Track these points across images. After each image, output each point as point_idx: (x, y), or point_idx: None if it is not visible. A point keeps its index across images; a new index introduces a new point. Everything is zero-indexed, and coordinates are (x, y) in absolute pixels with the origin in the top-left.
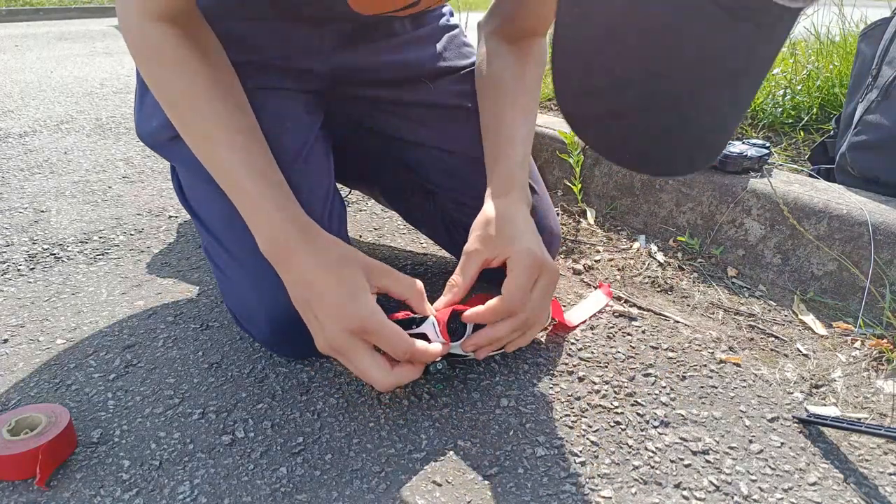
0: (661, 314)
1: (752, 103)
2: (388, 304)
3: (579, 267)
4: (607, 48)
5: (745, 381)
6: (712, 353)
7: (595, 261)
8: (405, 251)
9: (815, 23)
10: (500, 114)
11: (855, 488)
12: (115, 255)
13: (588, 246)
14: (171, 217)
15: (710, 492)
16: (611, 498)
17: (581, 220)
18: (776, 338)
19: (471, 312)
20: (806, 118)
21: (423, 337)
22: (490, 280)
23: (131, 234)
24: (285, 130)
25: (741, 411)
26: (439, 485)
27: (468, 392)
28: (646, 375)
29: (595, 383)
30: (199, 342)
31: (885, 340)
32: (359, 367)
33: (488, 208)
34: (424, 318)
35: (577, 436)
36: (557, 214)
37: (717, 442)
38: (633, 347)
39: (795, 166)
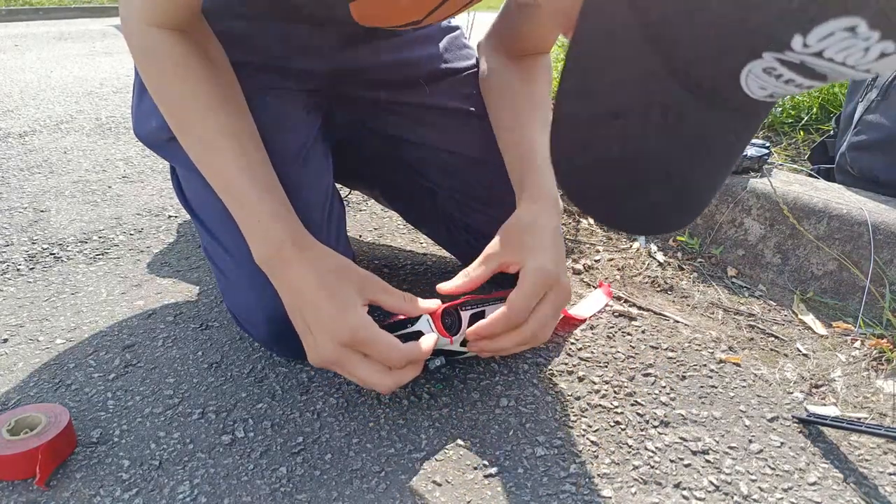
0: (661, 314)
1: None
2: (381, 312)
3: (579, 267)
4: (605, 129)
5: (744, 380)
6: (712, 352)
7: (595, 261)
8: (405, 251)
9: None
10: (521, 126)
11: (855, 488)
12: (115, 254)
13: (588, 246)
14: (170, 217)
15: (709, 492)
16: (611, 498)
17: (581, 219)
18: (776, 338)
19: (472, 330)
20: (806, 118)
21: (419, 335)
22: (501, 284)
23: (131, 234)
24: (285, 130)
25: (741, 411)
26: (439, 485)
27: (468, 392)
28: (646, 375)
29: (595, 383)
30: (198, 342)
31: (885, 340)
32: (356, 374)
33: (520, 213)
34: (418, 317)
35: (577, 436)
36: None
37: (717, 442)
38: (633, 347)
39: (795, 166)
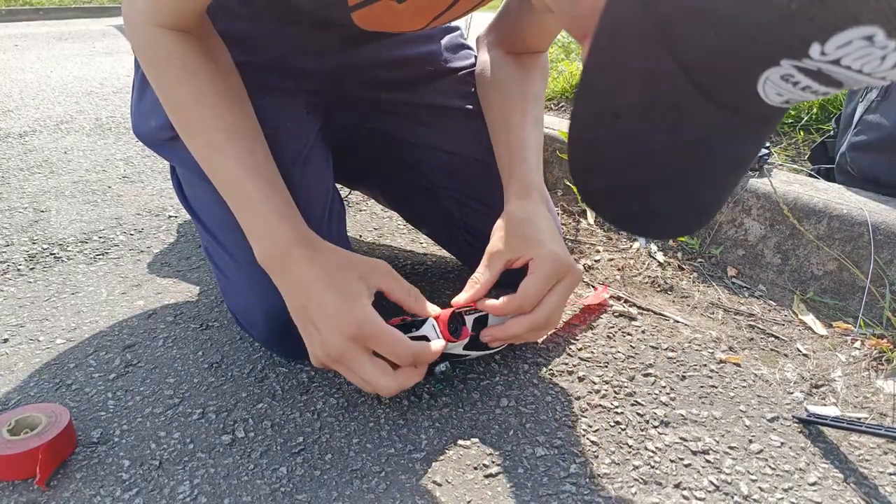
0: (661, 314)
1: None
2: (386, 312)
3: (579, 267)
4: (607, 128)
5: (745, 380)
6: (712, 353)
7: (595, 261)
8: (405, 251)
9: None
10: (510, 121)
11: (855, 488)
12: (115, 254)
13: (588, 246)
14: (171, 217)
15: (710, 492)
16: (611, 498)
17: (581, 219)
18: (776, 338)
19: (487, 304)
20: (806, 118)
21: (424, 339)
22: (508, 284)
23: (131, 234)
24: (285, 130)
25: (741, 411)
26: (439, 485)
27: (468, 392)
28: (646, 375)
29: (595, 383)
30: (199, 342)
31: (885, 340)
32: (361, 374)
33: (511, 210)
34: (424, 321)
35: (577, 436)
36: (558, 214)
37: (717, 442)
38: (633, 347)
39: (795, 166)
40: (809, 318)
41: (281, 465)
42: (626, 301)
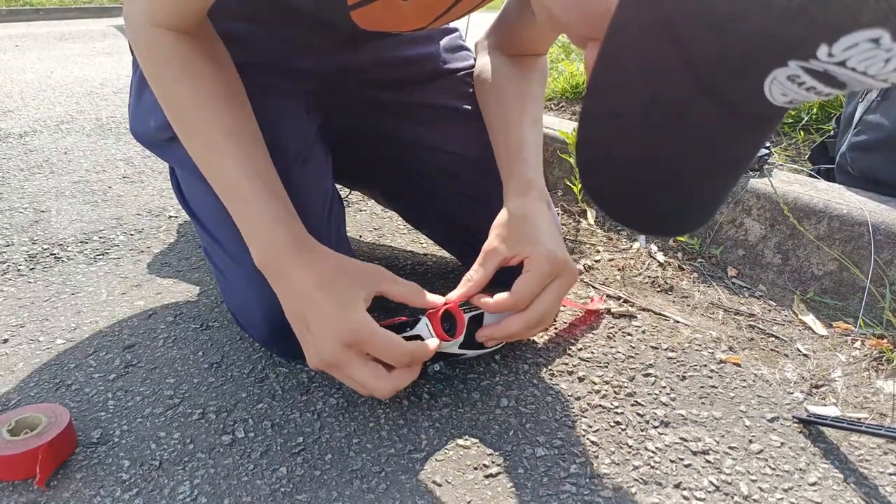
0: (661, 314)
1: None
2: (384, 313)
3: (579, 267)
4: (629, 135)
5: (745, 381)
6: (712, 353)
7: (595, 261)
8: (405, 251)
9: None
10: (509, 121)
11: (855, 488)
12: (115, 255)
13: (588, 246)
14: (171, 217)
15: (710, 492)
16: (611, 498)
17: (581, 220)
18: (776, 338)
19: (481, 301)
20: (806, 118)
21: (418, 339)
22: (505, 282)
23: (131, 234)
24: (285, 130)
25: (741, 411)
26: (439, 485)
27: (468, 392)
28: (646, 375)
29: (595, 383)
30: (199, 342)
31: (885, 340)
32: (355, 377)
33: (510, 207)
34: (417, 321)
35: (577, 436)
36: (558, 214)
37: (717, 442)
38: (633, 347)
39: (795, 166)
40: (809, 319)
41: (281, 466)
42: (626, 301)
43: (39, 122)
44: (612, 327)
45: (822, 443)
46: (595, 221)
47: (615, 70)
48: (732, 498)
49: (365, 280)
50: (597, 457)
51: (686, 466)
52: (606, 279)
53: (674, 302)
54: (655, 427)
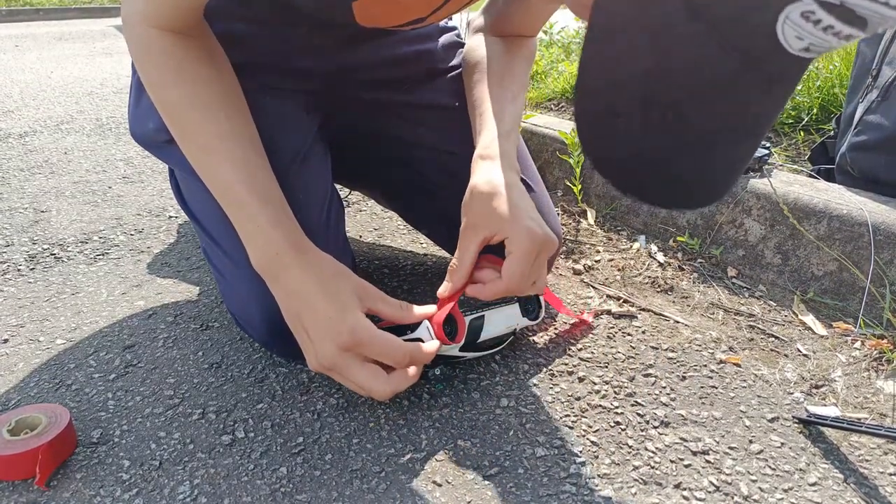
0: (661, 314)
1: None
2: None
3: (579, 267)
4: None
5: (745, 381)
6: (712, 353)
7: (595, 261)
8: (405, 251)
9: None
10: (487, 95)
11: (855, 488)
12: (115, 255)
13: (588, 246)
14: (171, 217)
15: (710, 492)
16: (611, 498)
17: (581, 220)
18: (776, 338)
19: (476, 292)
20: (806, 118)
21: (419, 342)
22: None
23: (131, 235)
24: (284, 131)
25: (741, 411)
26: (439, 485)
27: (468, 392)
28: (646, 375)
29: (595, 383)
30: (199, 342)
31: (885, 340)
32: (354, 380)
33: (476, 182)
34: (419, 323)
35: (577, 436)
36: (558, 215)
37: (717, 442)
38: (633, 347)
39: (795, 166)
40: (809, 319)
41: (281, 466)
42: (626, 301)
43: (39, 123)
44: (612, 327)
45: (822, 443)
46: (595, 222)
47: (615, 13)
48: (732, 498)
49: (360, 294)
50: (597, 457)
51: (686, 467)
52: (606, 279)
53: (674, 302)
54: (655, 427)
